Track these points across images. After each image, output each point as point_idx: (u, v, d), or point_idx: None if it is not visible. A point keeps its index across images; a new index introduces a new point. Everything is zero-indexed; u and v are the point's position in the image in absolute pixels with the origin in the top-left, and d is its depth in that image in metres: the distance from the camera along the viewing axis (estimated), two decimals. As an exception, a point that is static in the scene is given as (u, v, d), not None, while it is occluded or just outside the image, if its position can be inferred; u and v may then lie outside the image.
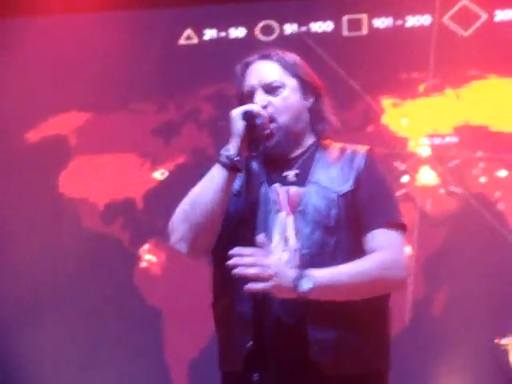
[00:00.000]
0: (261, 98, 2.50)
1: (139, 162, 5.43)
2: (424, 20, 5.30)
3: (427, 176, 5.17)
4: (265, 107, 2.47)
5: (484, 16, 5.25)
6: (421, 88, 5.26)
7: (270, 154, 2.47)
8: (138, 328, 5.21)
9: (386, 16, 5.33)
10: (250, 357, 2.34)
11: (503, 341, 4.36)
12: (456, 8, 5.28)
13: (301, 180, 2.50)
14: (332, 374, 2.36)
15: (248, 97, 2.52)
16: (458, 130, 5.18)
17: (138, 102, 5.47)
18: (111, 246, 5.35)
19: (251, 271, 2.24)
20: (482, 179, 5.12)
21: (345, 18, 5.37)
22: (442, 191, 5.15)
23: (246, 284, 2.24)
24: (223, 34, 5.48)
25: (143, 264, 5.35)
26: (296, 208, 2.45)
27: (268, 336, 2.33)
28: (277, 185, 2.49)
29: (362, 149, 2.55)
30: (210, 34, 5.48)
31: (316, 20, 5.38)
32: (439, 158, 5.18)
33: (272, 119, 2.48)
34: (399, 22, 5.33)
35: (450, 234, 5.07)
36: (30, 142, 5.49)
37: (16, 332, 5.25)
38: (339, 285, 2.33)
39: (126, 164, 5.43)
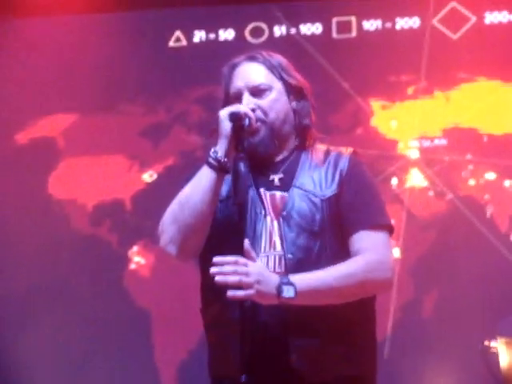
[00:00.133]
0: (248, 101, 2.49)
1: (128, 164, 5.42)
2: (413, 23, 5.30)
3: (416, 178, 5.17)
4: (253, 110, 2.46)
5: (473, 19, 5.26)
6: (410, 90, 5.26)
7: (254, 153, 2.45)
8: (126, 330, 5.20)
9: (375, 18, 5.33)
10: (240, 363, 2.32)
11: (492, 343, 4.35)
12: (445, 11, 5.29)
13: (285, 184, 2.49)
14: (314, 381, 2.35)
15: (235, 98, 2.52)
16: (447, 133, 5.19)
17: (127, 104, 5.46)
18: (100, 248, 5.33)
19: (231, 279, 2.23)
20: (471, 182, 5.13)
21: (334, 20, 5.37)
22: (430, 193, 5.15)
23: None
24: (212, 36, 5.47)
25: (132, 266, 5.34)
26: (280, 213, 2.44)
27: (255, 342, 2.32)
28: (262, 189, 2.49)
29: (346, 151, 2.54)
30: (199, 36, 5.48)
31: (305, 22, 5.38)
32: (428, 160, 5.18)
33: (259, 121, 2.47)
34: (388, 25, 5.33)
35: (438, 237, 5.08)
36: (18, 144, 5.48)
37: (2, 333, 5.24)
38: (324, 289, 2.31)
39: (114, 166, 5.42)
